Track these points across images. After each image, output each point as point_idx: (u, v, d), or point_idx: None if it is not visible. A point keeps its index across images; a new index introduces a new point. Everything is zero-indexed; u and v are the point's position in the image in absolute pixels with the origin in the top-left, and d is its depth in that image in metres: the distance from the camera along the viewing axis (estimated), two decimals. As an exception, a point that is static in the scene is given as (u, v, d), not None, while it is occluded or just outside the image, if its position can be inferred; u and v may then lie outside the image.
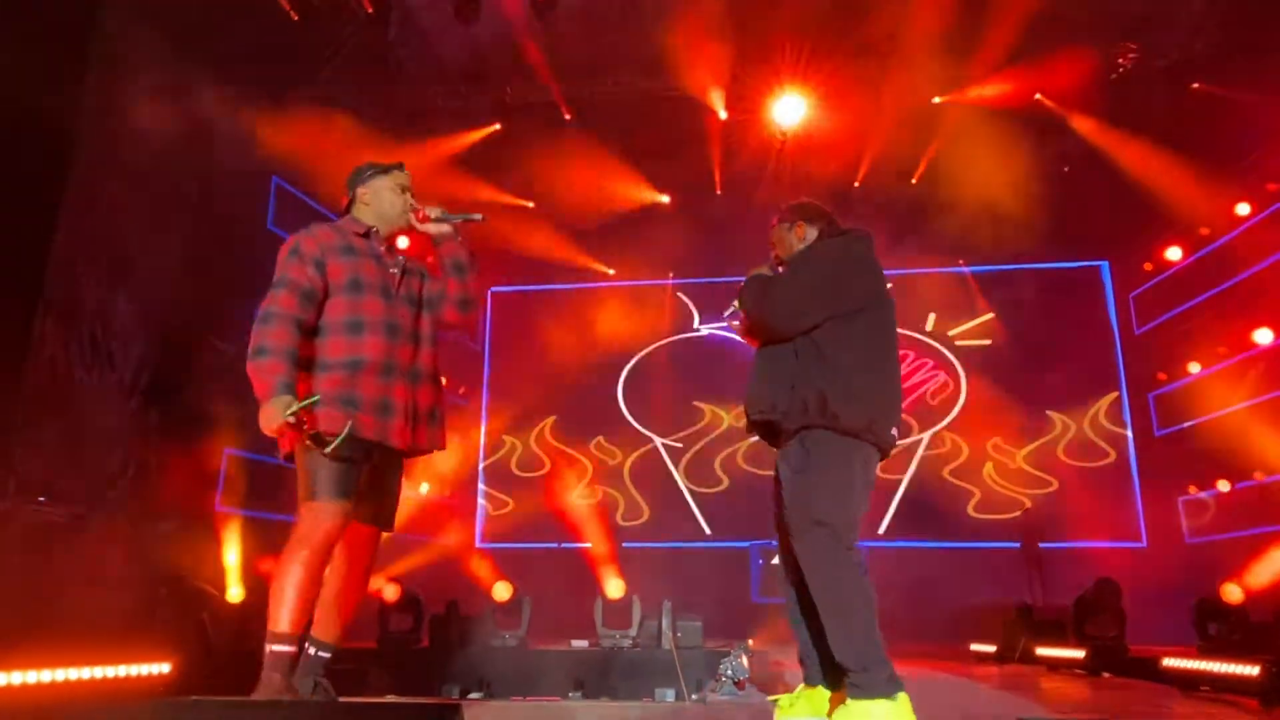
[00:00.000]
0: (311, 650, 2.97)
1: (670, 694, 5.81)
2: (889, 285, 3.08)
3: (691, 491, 11.38)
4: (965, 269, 10.98)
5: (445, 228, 3.27)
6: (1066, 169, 9.87)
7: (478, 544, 11.37)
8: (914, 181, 10.37)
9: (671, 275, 12.03)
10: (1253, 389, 8.46)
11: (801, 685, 3.03)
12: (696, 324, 12.01)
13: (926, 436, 10.72)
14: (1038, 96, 9.35)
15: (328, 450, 2.81)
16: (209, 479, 7.01)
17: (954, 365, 10.94)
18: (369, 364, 2.92)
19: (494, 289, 12.30)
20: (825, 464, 2.79)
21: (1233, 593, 5.55)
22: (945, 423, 10.71)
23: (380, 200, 3.18)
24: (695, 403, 11.58)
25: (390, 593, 6.62)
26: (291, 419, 2.73)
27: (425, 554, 9.58)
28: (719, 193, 10.93)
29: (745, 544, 10.38)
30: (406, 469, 3.26)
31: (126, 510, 5.99)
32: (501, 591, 6.66)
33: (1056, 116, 9.46)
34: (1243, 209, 8.48)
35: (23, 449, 5.30)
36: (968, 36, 8.18)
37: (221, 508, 7.05)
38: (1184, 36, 8.32)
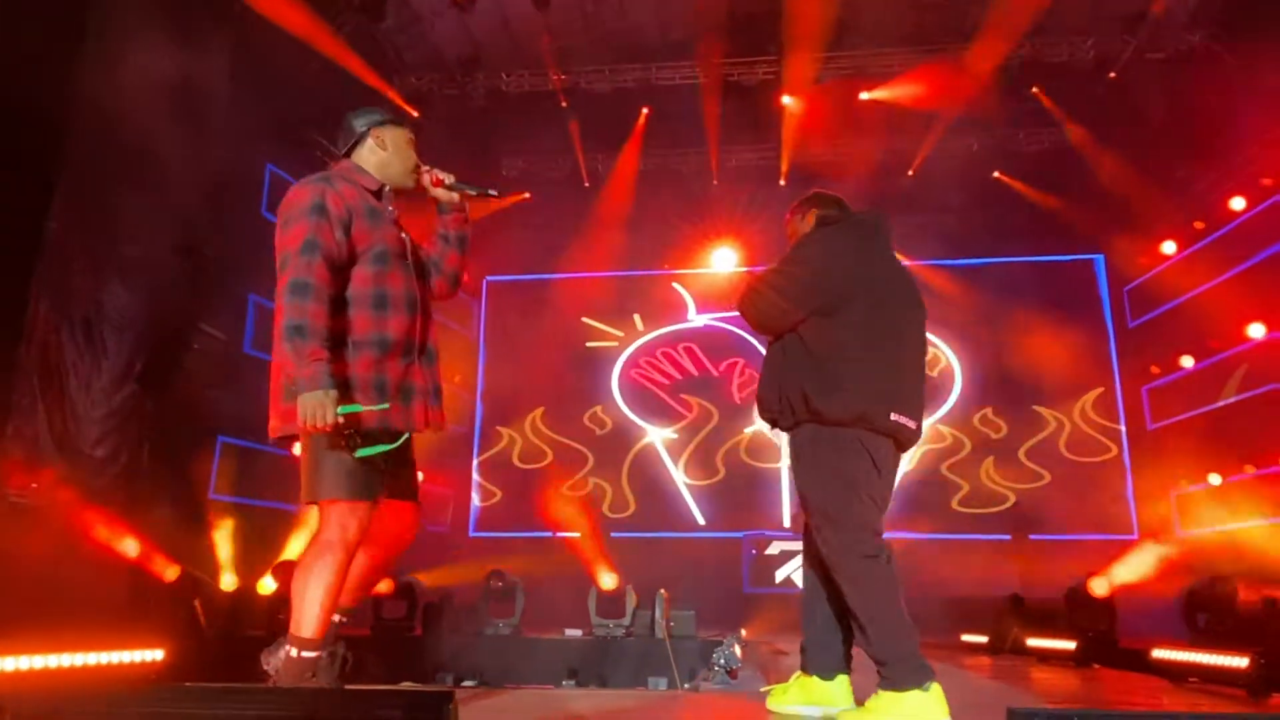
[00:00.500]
0: (336, 617, 2.79)
1: (663, 682, 5.83)
2: (897, 267, 2.99)
3: (686, 483, 11.40)
4: (957, 262, 11.02)
5: (454, 196, 3.06)
6: (1062, 162, 9.87)
7: (471, 533, 11.38)
8: (910, 174, 10.39)
9: (667, 266, 12.02)
10: (1246, 383, 8.50)
11: (797, 673, 3.03)
12: (691, 315, 12.01)
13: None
14: (1034, 90, 9.37)
15: (361, 454, 2.60)
16: (202, 466, 7.00)
17: (949, 359, 10.99)
18: (394, 344, 2.74)
19: (489, 278, 12.27)
20: (816, 460, 2.78)
21: (1223, 588, 5.58)
22: (937, 416, 10.74)
23: (400, 153, 2.94)
24: (684, 395, 11.58)
25: (383, 585, 6.63)
26: (341, 419, 2.52)
27: (420, 543, 9.58)
28: (715, 182, 10.91)
29: (738, 535, 10.41)
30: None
31: (119, 498, 5.97)
32: (494, 582, 6.68)
33: (1053, 109, 9.48)
34: (1237, 203, 8.50)
35: (14, 435, 5.29)
36: (967, 28, 8.18)
37: (214, 495, 7.04)
38: (1181, 30, 8.32)
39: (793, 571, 9.91)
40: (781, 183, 10.68)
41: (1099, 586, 6.11)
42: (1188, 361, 9.46)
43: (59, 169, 5.62)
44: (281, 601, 5.96)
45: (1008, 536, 10.17)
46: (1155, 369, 10.13)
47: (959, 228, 10.56)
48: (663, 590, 6.54)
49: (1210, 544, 8.70)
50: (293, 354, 2.52)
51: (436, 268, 3.06)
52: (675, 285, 12.08)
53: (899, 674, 2.60)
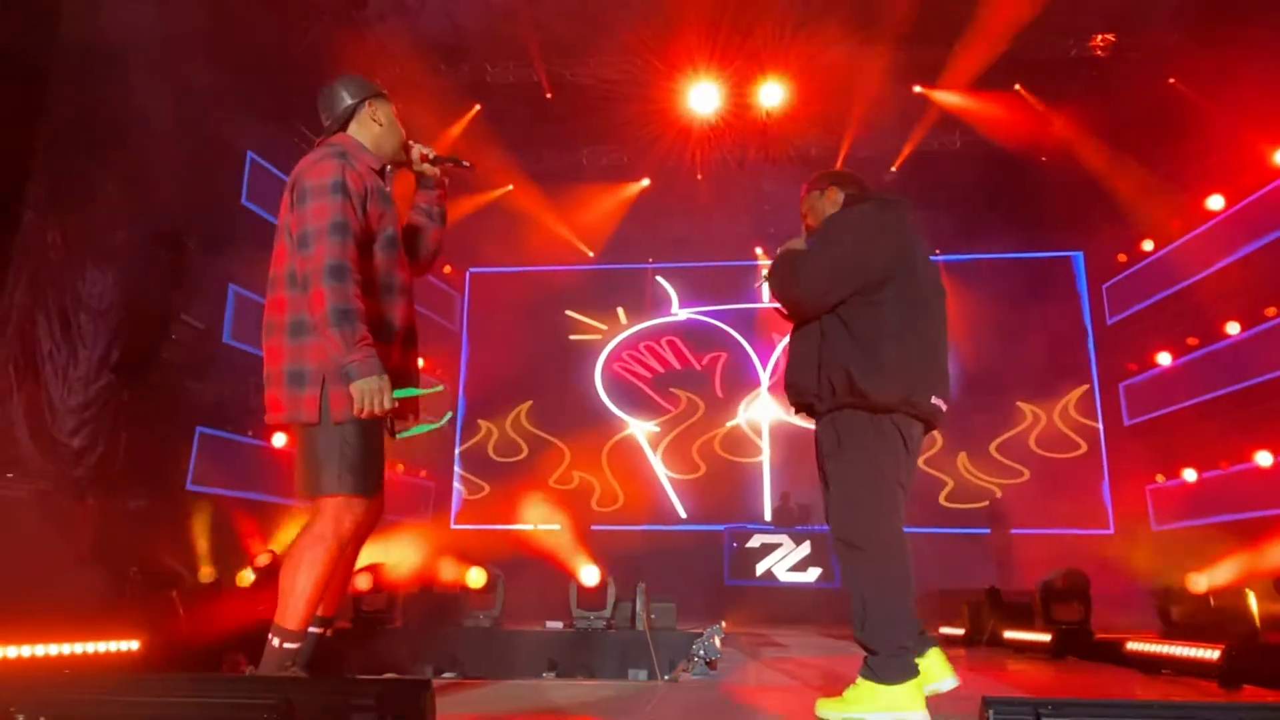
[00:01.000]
0: (326, 631, 2.85)
1: (643, 674, 5.84)
2: (924, 248, 2.94)
3: (668, 476, 11.42)
4: (939, 258, 11.06)
5: (436, 170, 3.01)
6: (1043, 159, 9.93)
7: (453, 525, 11.36)
8: (893, 170, 10.42)
9: (651, 260, 12.02)
10: (1221, 380, 8.60)
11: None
12: (675, 308, 12.02)
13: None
14: (1016, 88, 9.42)
15: (402, 435, 2.65)
16: (180, 457, 6.94)
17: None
18: (398, 331, 2.72)
19: (472, 270, 12.23)
20: (854, 443, 2.72)
21: (1197, 581, 5.64)
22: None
23: (392, 127, 2.88)
24: (672, 389, 11.60)
25: (363, 582, 6.59)
26: (396, 404, 2.50)
27: (400, 534, 9.54)
28: (699, 177, 10.90)
29: (720, 528, 10.45)
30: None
31: (96, 488, 5.92)
32: (475, 577, 6.65)
33: (1035, 107, 9.53)
34: (1215, 202, 8.59)
35: (-11, 424, 5.23)
36: (950, 25, 8.21)
37: (192, 486, 6.99)
38: (1162, 30, 8.38)
39: (773, 565, 9.96)
40: (765, 178, 10.69)
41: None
42: (1164, 358, 9.57)
43: (35, 156, 5.55)
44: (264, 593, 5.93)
45: (987, 530, 10.26)
46: (1132, 365, 10.24)
47: (941, 224, 10.61)
48: (642, 583, 6.55)
49: (1184, 538, 8.82)
50: (341, 339, 2.46)
51: (416, 245, 3.00)
52: (659, 279, 12.09)
53: (884, 667, 2.60)
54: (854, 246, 2.78)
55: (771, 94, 9.23)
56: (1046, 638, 5.89)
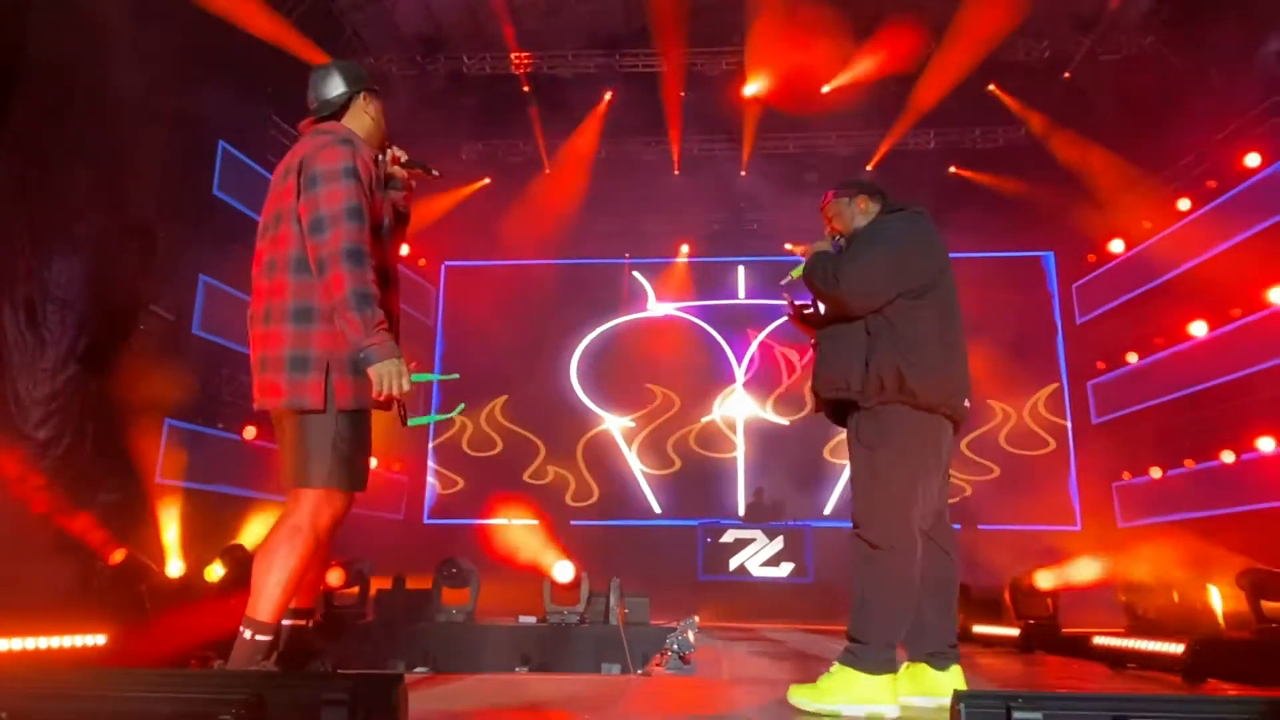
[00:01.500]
0: (307, 623, 2.82)
1: (617, 668, 5.85)
2: (948, 256, 3.04)
3: (643, 471, 11.43)
4: None
5: (404, 173, 3.01)
6: (1015, 159, 10.03)
7: (426, 520, 11.30)
8: (869, 168, 10.49)
9: (627, 255, 12.01)
10: (1187, 379, 8.74)
11: (905, 663, 2.97)
12: (651, 304, 12.02)
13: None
14: (990, 88, 9.51)
15: (412, 423, 2.68)
16: (149, 450, 6.85)
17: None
18: (395, 321, 2.72)
19: (448, 263, 12.16)
20: (901, 440, 2.80)
21: (1161, 577, 5.76)
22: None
23: (379, 124, 2.88)
24: (648, 385, 11.61)
25: (334, 578, 6.54)
26: (413, 388, 2.52)
27: (374, 529, 9.49)
28: (676, 172, 10.90)
29: (693, 523, 10.48)
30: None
31: (62, 480, 5.82)
32: (452, 570, 6.64)
33: (1008, 108, 9.63)
34: (1183, 204, 8.72)
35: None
36: (930, 21, 8.27)
37: (161, 479, 6.89)
38: (1133, 34, 8.50)
39: (746, 560, 10.01)
40: (742, 174, 10.73)
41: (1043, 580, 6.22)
42: (1132, 358, 9.71)
43: (0, 144, 5.44)
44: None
45: (958, 526, 10.35)
46: (1101, 364, 10.39)
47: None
48: (616, 578, 6.56)
49: (1149, 535, 8.95)
50: (361, 322, 2.45)
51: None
52: (635, 274, 12.08)
53: (865, 656, 2.63)
54: (899, 252, 2.89)
55: (750, 89, 9.26)
56: (1015, 632, 5.97)
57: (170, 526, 6.81)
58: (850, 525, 2.86)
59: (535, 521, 10.39)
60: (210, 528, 7.12)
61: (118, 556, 5.59)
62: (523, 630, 6.49)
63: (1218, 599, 5.33)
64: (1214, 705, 1.95)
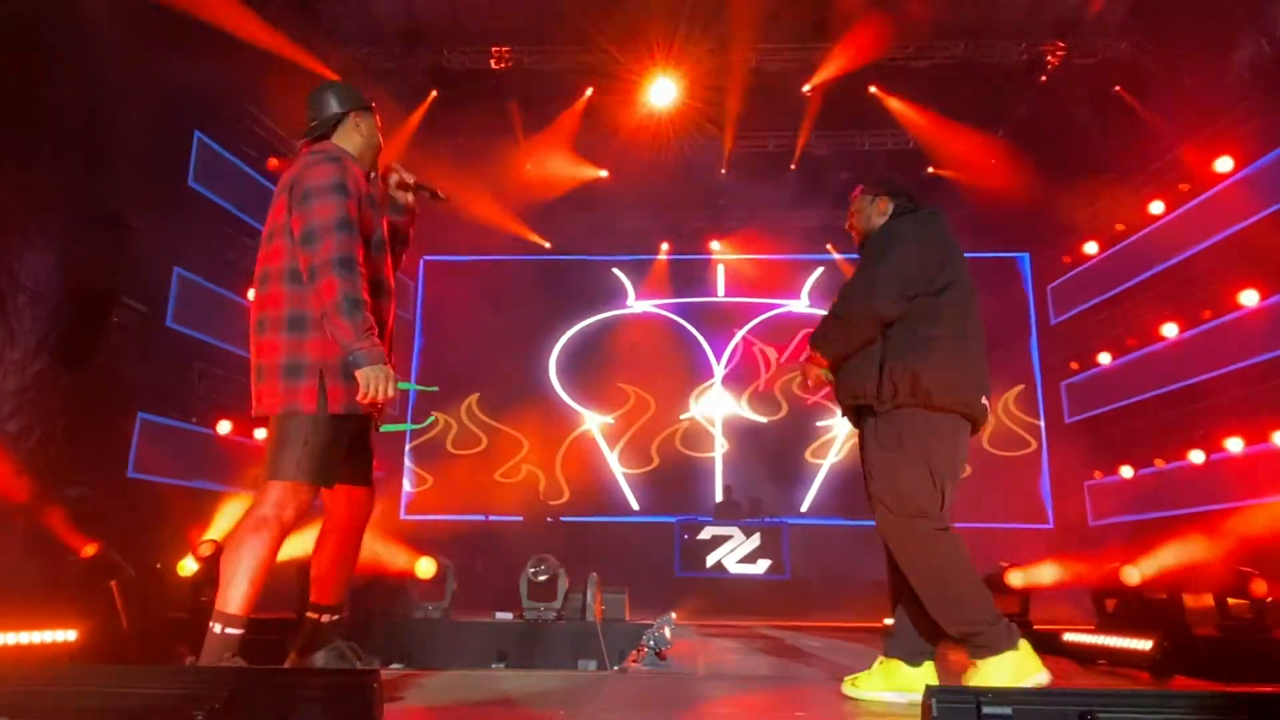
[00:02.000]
0: (324, 618, 2.88)
1: (593, 665, 5.86)
2: (964, 259, 3.05)
3: (624, 472, 11.44)
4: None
5: (410, 197, 3.11)
6: (991, 161, 10.11)
7: (402, 516, 11.25)
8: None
9: (608, 251, 12.00)
10: (1158, 380, 8.86)
11: (880, 659, 3.02)
12: (630, 301, 12.02)
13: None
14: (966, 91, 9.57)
15: (384, 430, 2.81)
16: (121, 444, 6.76)
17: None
18: (386, 331, 2.84)
19: (426, 257, 12.09)
20: (918, 443, 2.81)
21: (1131, 575, 5.83)
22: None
23: (371, 143, 2.98)
24: (620, 385, 11.59)
25: (427, 568, 6.50)
26: (397, 394, 2.61)
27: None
28: (656, 170, 10.88)
29: (671, 520, 10.50)
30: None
31: (33, 474, 5.74)
32: (425, 568, 6.60)
33: (982, 110, 9.71)
34: (1156, 207, 8.83)
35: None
36: (902, 24, 8.32)
37: (134, 474, 6.81)
38: (1109, 38, 8.59)
39: (723, 556, 10.04)
40: (723, 171, 10.74)
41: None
42: (1105, 358, 9.83)
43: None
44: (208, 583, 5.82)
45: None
46: (1074, 365, 10.51)
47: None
48: (593, 574, 6.56)
49: (1119, 533, 9.08)
50: (351, 326, 2.55)
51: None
52: (615, 270, 12.08)
53: (991, 638, 2.66)
54: (917, 252, 2.91)
55: (731, 88, 9.26)
56: (987, 629, 6.02)
57: (142, 521, 6.73)
58: (849, 524, 2.90)
59: (513, 519, 10.39)
60: (183, 522, 7.04)
61: (89, 551, 5.51)
62: (499, 626, 6.48)
63: (1186, 597, 5.41)
64: (1179, 700, 1.99)
